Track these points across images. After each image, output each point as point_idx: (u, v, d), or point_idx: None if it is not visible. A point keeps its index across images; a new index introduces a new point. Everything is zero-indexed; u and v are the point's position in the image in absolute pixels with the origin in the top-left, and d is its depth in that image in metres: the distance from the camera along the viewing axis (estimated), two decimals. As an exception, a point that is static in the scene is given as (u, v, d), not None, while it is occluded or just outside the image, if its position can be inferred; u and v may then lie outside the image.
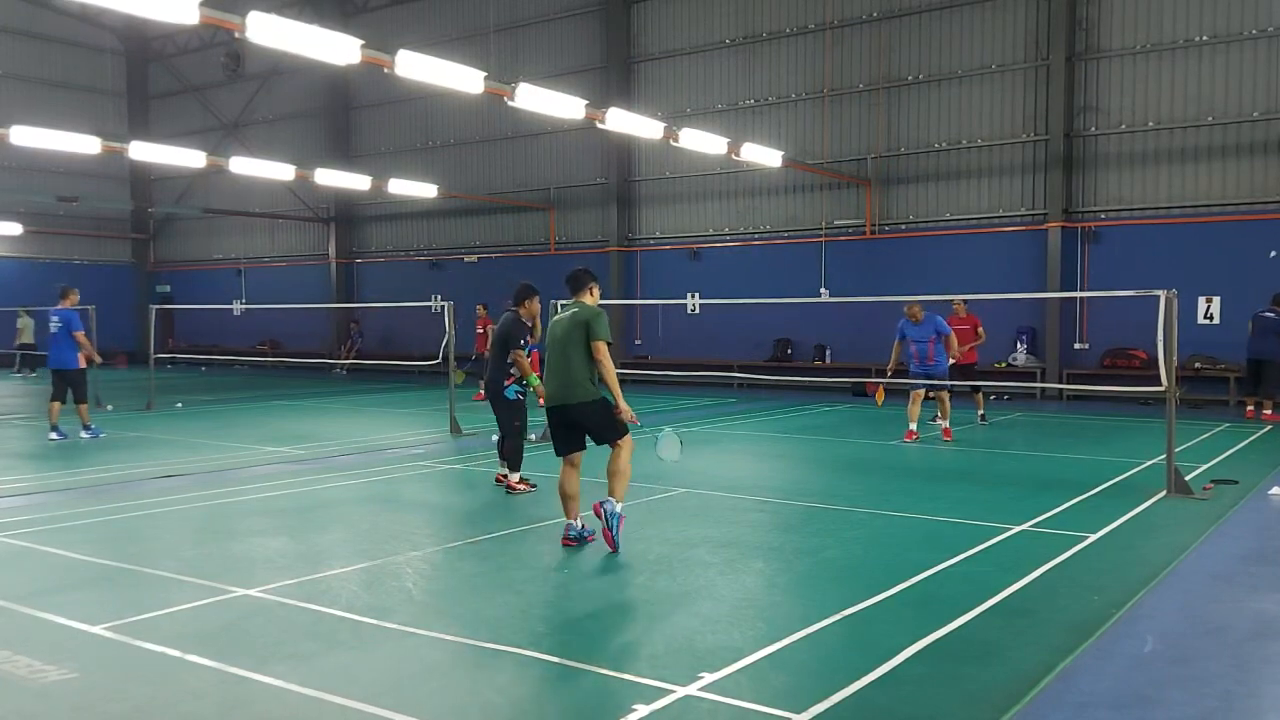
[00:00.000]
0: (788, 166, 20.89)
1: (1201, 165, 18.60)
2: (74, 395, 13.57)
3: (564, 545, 7.27)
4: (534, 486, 9.62)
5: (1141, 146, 19.12)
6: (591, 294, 7.40)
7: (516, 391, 9.54)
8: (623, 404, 7.14)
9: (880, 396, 13.93)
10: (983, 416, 15.46)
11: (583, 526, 7.37)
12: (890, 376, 13.52)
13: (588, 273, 7.53)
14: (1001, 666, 4.80)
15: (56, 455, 12.37)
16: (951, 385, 13.79)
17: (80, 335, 13.75)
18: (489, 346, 9.95)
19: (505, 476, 9.72)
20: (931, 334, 13.11)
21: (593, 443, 7.45)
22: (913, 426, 13.31)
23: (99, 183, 34.47)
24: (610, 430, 7.24)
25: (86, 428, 13.61)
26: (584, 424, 7.26)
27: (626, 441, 7.26)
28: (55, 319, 13.64)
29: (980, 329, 15.22)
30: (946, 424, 13.56)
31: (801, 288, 22.16)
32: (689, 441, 13.54)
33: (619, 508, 7.07)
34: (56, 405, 13.61)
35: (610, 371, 7.11)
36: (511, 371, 9.44)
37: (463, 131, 28.07)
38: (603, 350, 7.05)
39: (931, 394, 13.67)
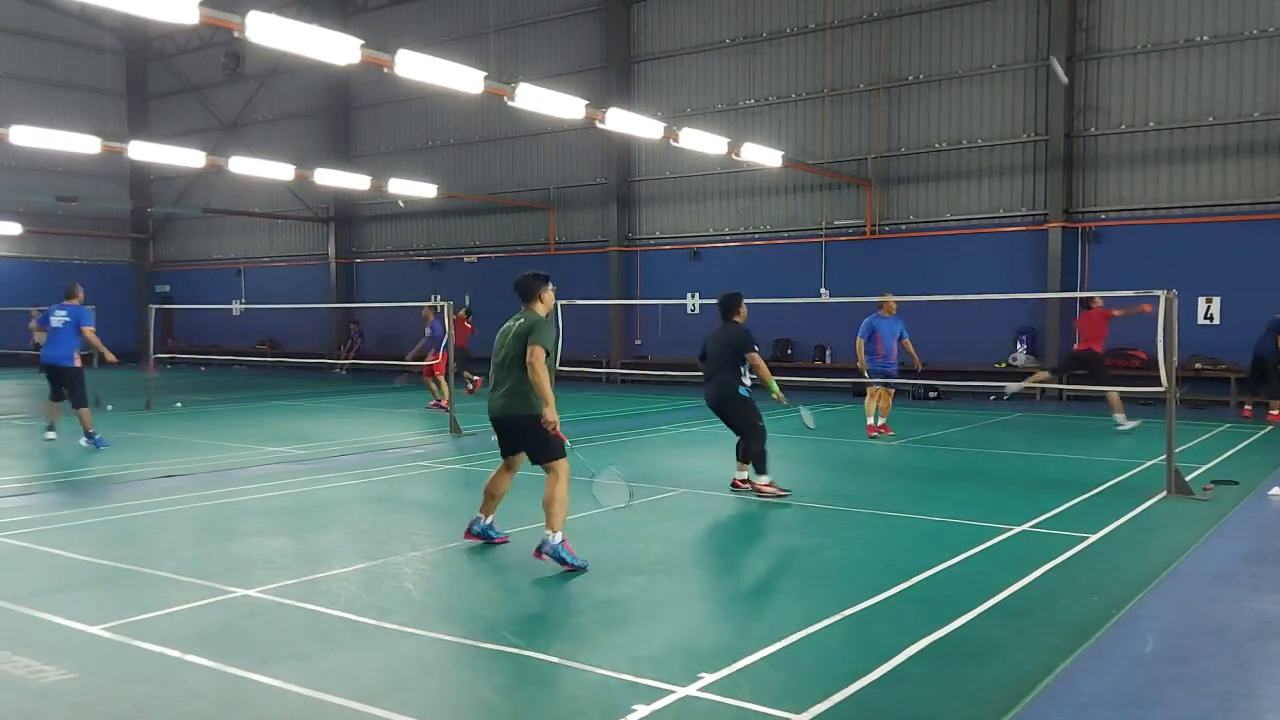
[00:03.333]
0: (788, 166, 20.89)
1: (1201, 165, 18.60)
2: (71, 399, 12.66)
3: (465, 538, 7.24)
4: (787, 491, 9.14)
5: (1142, 146, 19.11)
6: (543, 300, 7.06)
7: (749, 390, 9.39)
8: (550, 413, 6.65)
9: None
10: (1123, 421, 14.12)
11: (490, 523, 7.29)
12: (866, 375, 13.83)
13: (537, 277, 7.12)
14: (1001, 667, 4.79)
15: (56, 455, 12.36)
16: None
17: (90, 331, 12.88)
18: (716, 354, 9.46)
19: (746, 481, 9.42)
20: (899, 333, 13.54)
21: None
22: (870, 420, 13.88)
23: (99, 183, 34.47)
24: (543, 449, 6.79)
25: (89, 435, 12.57)
26: (520, 439, 6.93)
27: (562, 466, 6.77)
28: (63, 314, 12.76)
29: (1110, 320, 14.21)
30: (884, 420, 13.96)
31: (802, 288, 22.16)
32: (689, 441, 13.58)
33: (558, 538, 6.64)
34: (56, 405, 12.92)
35: (541, 377, 6.63)
36: (745, 374, 9.29)
37: (463, 131, 28.07)
38: (537, 354, 6.61)
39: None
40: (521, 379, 6.75)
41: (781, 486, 9.19)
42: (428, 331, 18.39)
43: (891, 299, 13.77)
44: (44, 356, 12.91)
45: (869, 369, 13.62)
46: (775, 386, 9.32)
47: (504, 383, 6.89)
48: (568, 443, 6.93)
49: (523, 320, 6.94)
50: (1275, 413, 15.31)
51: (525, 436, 6.88)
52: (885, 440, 13.50)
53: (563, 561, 6.60)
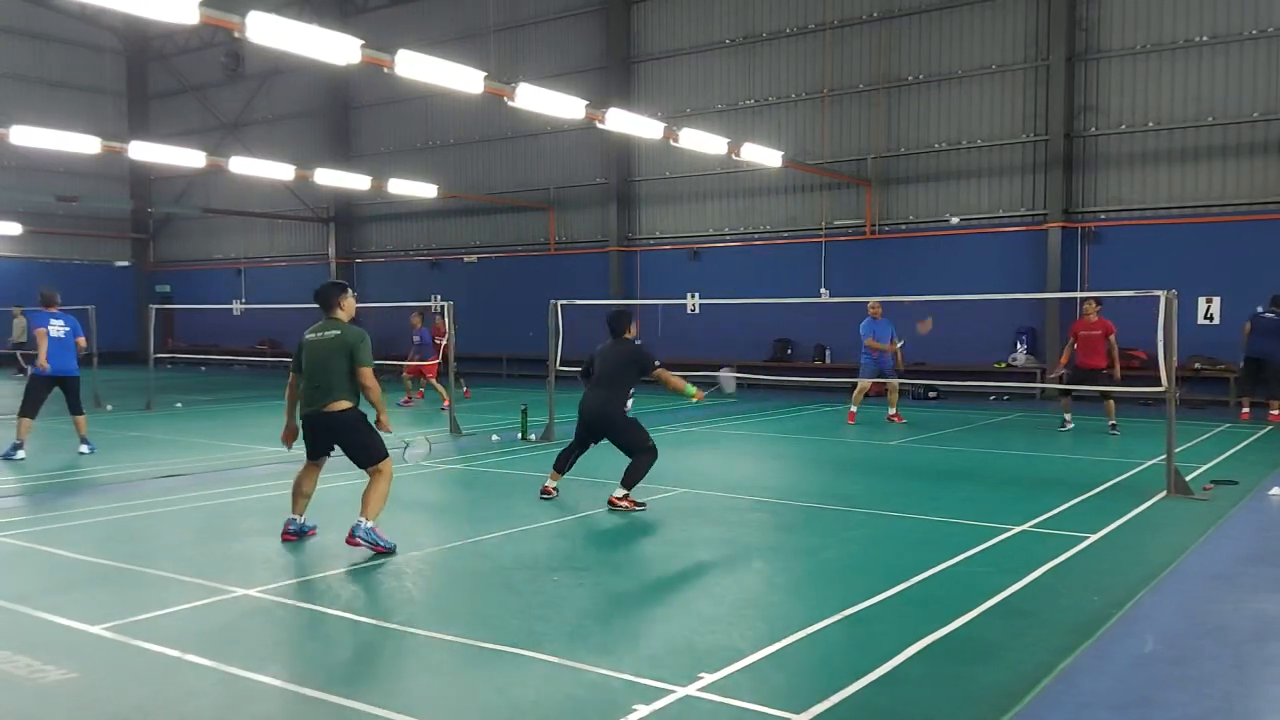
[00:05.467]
0: (788, 166, 20.89)
1: (1201, 165, 18.60)
2: (74, 406, 12.47)
3: (284, 540, 7.38)
4: (643, 506, 8.68)
5: (1141, 146, 19.12)
6: (343, 308, 7.37)
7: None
8: (383, 417, 7.36)
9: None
10: (1114, 426, 13.99)
11: (304, 521, 7.51)
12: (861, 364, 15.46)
13: (336, 286, 7.47)
14: (1001, 667, 4.80)
15: (57, 456, 12.34)
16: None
17: (83, 342, 12.60)
18: (611, 372, 9.03)
19: (624, 498, 8.71)
20: (889, 335, 15.27)
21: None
22: (853, 409, 15.55)
23: (99, 182, 34.46)
24: (363, 451, 7.21)
25: (86, 440, 12.49)
26: (337, 437, 7.25)
27: (385, 468, 7.20)
28: (61, 323, 12.26)
29: (1113, 337, 14.02)
30: (894, 410, 15.67)
31: (801, 288, 22.16)
32: (688, 441, 13.57)
33: (368, 523, 7.01)
34: (32, 421, 12.17)
35: (378, 393, 7.22)
36: (633, 394, 9.13)
37: (463, 131, 28.06)
38: (369, 375, 7.15)
39: (883, 387, 15.93)
40: (340, 379, 7.14)
41: (639, 500, 8.68)
42: (416, 339, 18.70)
43: (875, 304, 15.34)
44: (58, 368, 12.18)
45: (863, 364, 15.32)
46: (691, 388, 9.04)
47: (321, 381, 7.17)
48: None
49: (339, 333, 7.23)
50: (1276, 413, 15.29)
51: (343, 435, 7.23)
52: (877, 436, 13.54)
53: (374, 544, 6.97)
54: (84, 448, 12.42)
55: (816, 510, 8.69)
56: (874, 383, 15.72)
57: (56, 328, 12.21)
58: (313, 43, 11.13)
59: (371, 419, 7.35)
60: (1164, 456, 9.44)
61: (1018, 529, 7.80)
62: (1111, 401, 14.18)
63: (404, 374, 18.95)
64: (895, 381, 15.49)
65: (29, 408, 12.08)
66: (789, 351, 22.78)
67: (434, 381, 18.48)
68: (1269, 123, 17.90)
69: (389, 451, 7.32)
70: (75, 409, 12.51)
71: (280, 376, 27.42)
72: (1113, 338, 14.07)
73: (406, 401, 18.83)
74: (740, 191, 23.73)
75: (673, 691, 4.42)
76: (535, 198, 26.85)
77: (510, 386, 23.18)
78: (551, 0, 26.05)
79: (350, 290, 7.57)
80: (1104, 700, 4.36)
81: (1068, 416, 14.65)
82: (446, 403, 16.28)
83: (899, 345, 15.53)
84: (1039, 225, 19.91)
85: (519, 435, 13.55)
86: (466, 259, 28.40)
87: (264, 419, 16.77)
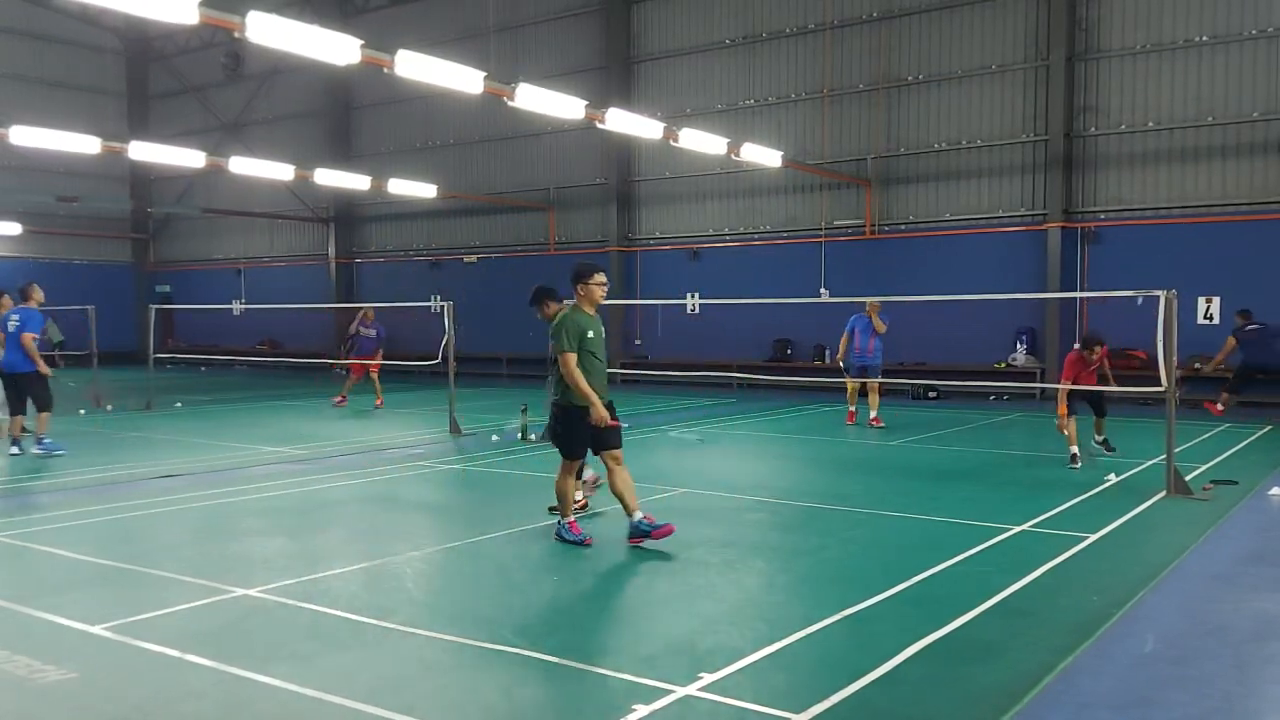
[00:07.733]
0: (787, 166, 20.88)
1: (1201, 165, 18.60)
2: (35, 403, 11.96)
3: (631, 545, 7.27)
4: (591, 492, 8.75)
5: (1141, 146, 19.11)
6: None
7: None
8: (596, 411, 7.21)
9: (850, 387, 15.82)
10: (1105, 442, 12.33)
11: (641, 519, 7.30)
12: (842, 368, 15.52)
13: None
14: (1001, 666, 4.80)
15: (56, 456, 12.34)
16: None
17: (30, 339, 11.85)
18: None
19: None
20: (873, 328, 15.12)
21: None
22: (851, 409, 15.58)
23: (99, 183, 34.46)
24: (555, 438, 7.60)
25: (39, 441, 12.01)
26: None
27: (563, 465, 7.49)
28: (16, 318, 11.80)
29: (1106, 361, 12.28)
30: (875, 414, 15.06)
31: (801, 288, 22.15)
32: (688, 442, 13.57)
33: (565, 522, 7.48)
34: (18, 419, 12.06)
35: (573, 377, 7.27)
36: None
37: (463, 131, 28.06)
38: (566, 360, 7.29)
39: (865, 388, 15.49)
40: (555, 373, 7.57)
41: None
42: (375, 333, 18.74)
43: (874, 304, 15.11)
44: (5, 364, 11.89)
45: (851, 362, 15.22)
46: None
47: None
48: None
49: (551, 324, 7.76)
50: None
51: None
52: (876, 437, 13.56)
53: (650, 534, 7.25)
54: (36, 448, 11.94)
55: (816, 510, 8.69)
56: (862, 382, 15.54)
57: (13, 322, 11.86)
58: (313, 43, 11.13)
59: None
60: (1164, 456, 9.44)
61: (1018, 529, 7.80)
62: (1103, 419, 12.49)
63: (360, 373, 18.84)
64: (876, 383, 15.34)
65: (12, 405, 12.26)
66: (789, 351, 22.77)
67: (374, 378, 18.59)
68: (1269, 123, 17.89)
69: (573, 451, 7.48)
70: (37, 406, 11.97)
71: (280, 377, 27.53)
72: (1106, 361, 12.27)
73: (340, 401, 18.58)
74: (740, 191, 23.73)
75: (673, 691, 4.42)
76: (535, 198, 26.85)
77: (510, 386, 23.17)
78: (551, 0, 26.05)
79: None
80: (1104, 700, 4.37)
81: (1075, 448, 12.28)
82: (379, 401, 17.64)
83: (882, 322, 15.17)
84: (1039, 225, 19.91)
85: (519, 435, 13.55)
86: (466, 259, 28.40)
87: (264, 419, 16.79)
